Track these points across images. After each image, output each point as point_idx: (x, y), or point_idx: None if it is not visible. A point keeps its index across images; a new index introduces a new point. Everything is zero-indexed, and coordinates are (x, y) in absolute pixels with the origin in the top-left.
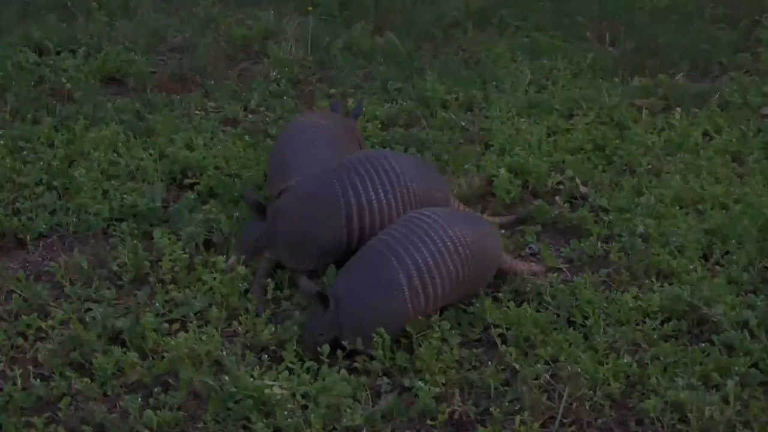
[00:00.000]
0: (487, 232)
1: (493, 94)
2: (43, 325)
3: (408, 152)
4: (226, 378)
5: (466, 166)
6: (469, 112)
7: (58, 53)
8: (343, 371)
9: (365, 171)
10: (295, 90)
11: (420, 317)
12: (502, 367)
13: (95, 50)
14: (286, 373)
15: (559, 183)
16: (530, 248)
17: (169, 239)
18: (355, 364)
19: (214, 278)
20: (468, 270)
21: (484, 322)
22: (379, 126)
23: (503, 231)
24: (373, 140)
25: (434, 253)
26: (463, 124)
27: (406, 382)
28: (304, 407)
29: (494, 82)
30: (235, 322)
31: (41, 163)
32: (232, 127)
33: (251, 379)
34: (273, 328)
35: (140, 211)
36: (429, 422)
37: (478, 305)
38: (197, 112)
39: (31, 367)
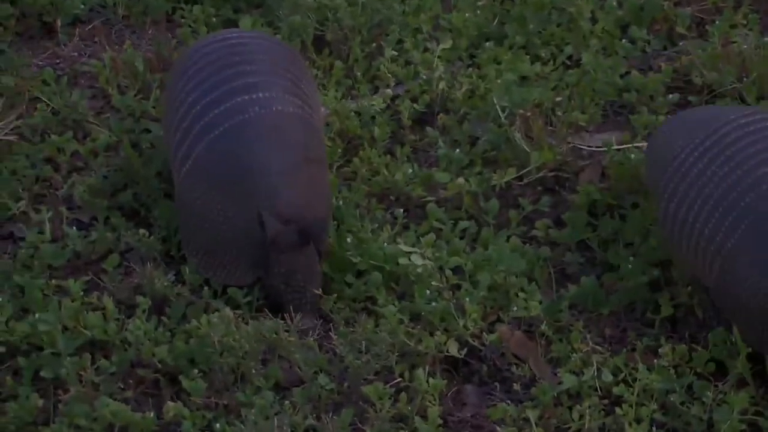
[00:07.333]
0: None
1: None
2: (81, 149)
3: None
4: (348, 241)
5: None
6: None
7: None
8: (515, 239)
9: None
10: None
11: None
12: None
13: None
14: (432, 236)
15: None
16: None
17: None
18: (535, 231)
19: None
20: None
21: None
22: None
23: None
24: None
25: None
26: None
27: (611, 258)
28: (456, 287)
29: None
30: (355, 159)
31: None
32: None
33: (381, 244)
34: (411, 169)
35: None
36: (645, 317)
37: None
38: None
39: (64, 209)
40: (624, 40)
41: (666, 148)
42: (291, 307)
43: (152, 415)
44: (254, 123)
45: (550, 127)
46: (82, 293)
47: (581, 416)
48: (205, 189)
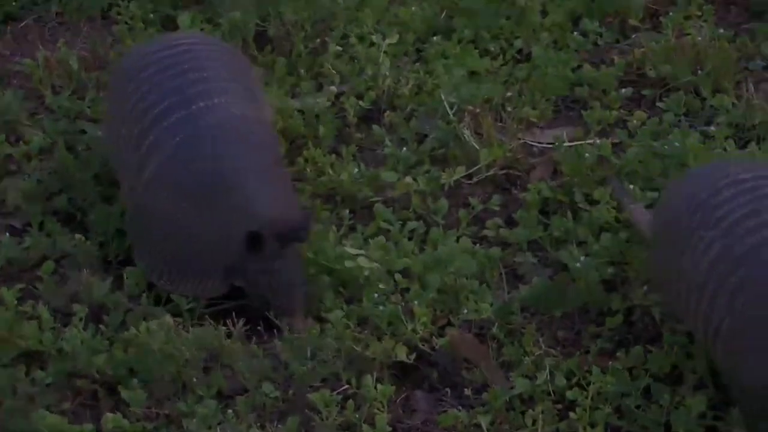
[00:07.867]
0: None
1: None
2: (14, 152)
3: None
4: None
5: None
6: None
7: None
8: (465, 239)
9: None
10: None
11: None
12: None
13: None
14: (380, 238)
15: None
16: None
17: (202, 29)
18: (485, 231)
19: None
20: None
21: None
22: None
23: None
24: None
25: None
26: None
27: (564, 257)
28: (405, 290)
29: None
30: (299, 159)
31: None
32: None
33: (325, 246)
34: (357, 169)
35: None
36: (592, 318)
37: None
38: None
39: None
40: (575, 33)
41: (670, 206)
42: (282, 312)
43: (91, 427)
44: (219, 127)
45: (500, 124)
46: (15, 302)
47: (534, 421)
48: (173, 196)
